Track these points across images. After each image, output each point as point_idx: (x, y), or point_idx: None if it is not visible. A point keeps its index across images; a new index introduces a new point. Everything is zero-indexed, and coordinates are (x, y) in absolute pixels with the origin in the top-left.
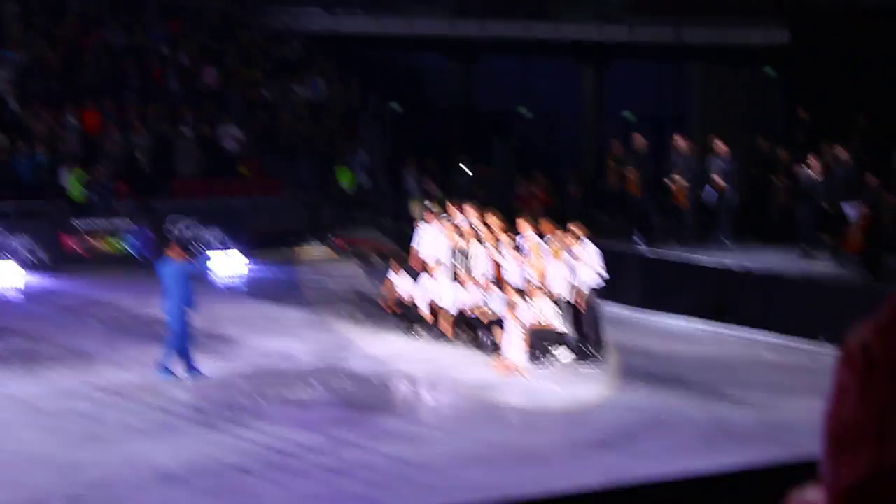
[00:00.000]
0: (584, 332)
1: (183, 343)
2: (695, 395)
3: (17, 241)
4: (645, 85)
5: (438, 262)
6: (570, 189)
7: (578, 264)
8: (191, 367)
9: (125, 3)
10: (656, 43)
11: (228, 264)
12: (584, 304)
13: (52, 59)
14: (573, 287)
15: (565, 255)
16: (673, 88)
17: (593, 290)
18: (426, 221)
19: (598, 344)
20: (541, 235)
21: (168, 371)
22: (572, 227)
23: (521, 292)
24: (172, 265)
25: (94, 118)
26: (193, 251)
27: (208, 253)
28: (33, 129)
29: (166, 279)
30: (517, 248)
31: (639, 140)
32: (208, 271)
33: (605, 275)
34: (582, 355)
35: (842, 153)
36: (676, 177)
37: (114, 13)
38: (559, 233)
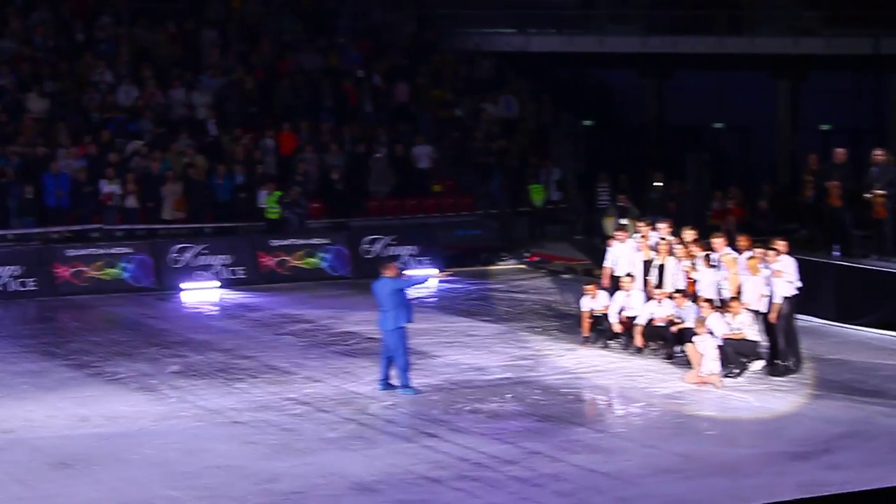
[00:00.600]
0: (780, 344)
1: (405, 359)
2: (893, 406)
3: (216, 260)
4: (842, 97)
5: (632, 277)
6: (759, 203)
7: (776, 278)
8: (385, 381)
9: (319, 27)
10: (853, 55)
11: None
12: (779, 318)
13: (249, 83)
14: (770, 301)
15: (762, 269)
16: (871, 100)
17: (790, 302)
18: (618, 238)
19: (796, 357)
20: (737, 251)
21: (409, 387)
22: (775, 242)
23: (715, 306)
24: (390, 283)
25: (289, 140)
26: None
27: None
28: (231, 151)
29: (383, 297)
30: (712, 265)
31: (839, 153)
32: (417, 282)
33: (799, 287)
34: (778, 368)
35: None
36: (876, 189)
37: (308, 37)
38: (757, 248)
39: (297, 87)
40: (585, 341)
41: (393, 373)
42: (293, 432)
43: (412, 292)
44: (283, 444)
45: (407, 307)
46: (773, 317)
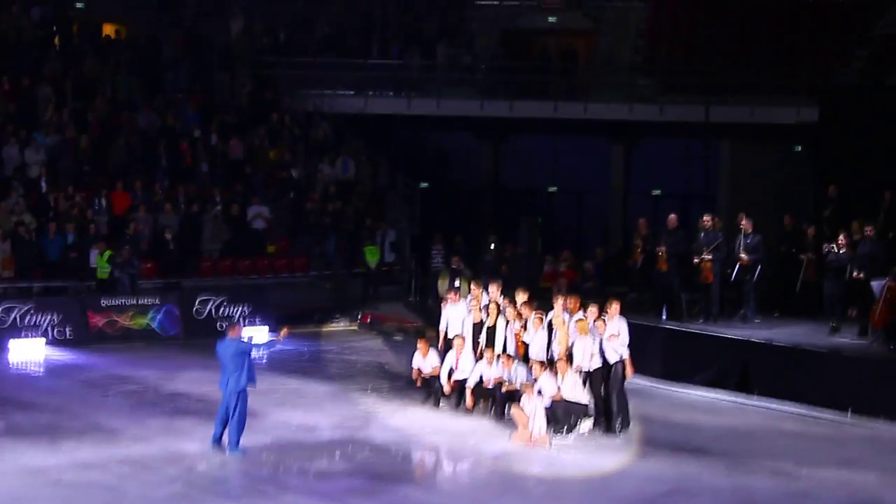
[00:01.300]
0: (609, 404)
1: (242, 420)
2: (717, 465)
3: (44, 318)
4: (673, 163)
5: (462, 338)
6: (585, 265)
7: (605, 340)
8: (217, 438)
9: (155, 85)
10: (685, 122)
11: (254, 340)
12: (612, 379)
13: (83, 141)
14: (598, 361)
15: (592, 330)
16: (701, 165)
17: (619, 363)
18: (451, 300)
19: (624, 416)
20: (569, 312)
21: (238, 448)
22: (610, 303)
23: (545, 366)
24: (232, 344)
25: (123, 199)
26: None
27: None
28: (63, 209)
29: (226, 358)
30: (547, 325)
31: (671, 219)
32: (264, 347)
33: (626, 352)
34: (605, 427)
35: (868, 229)
36: (704, 255)
37: (144, 95)
38: (589, 309)
39: (132, 146)
40: (415, 387)
41: (225, 433)
42: (118, 492)
43: (256, 354)
44: None
45: (250, 369)
46: (630, 372)
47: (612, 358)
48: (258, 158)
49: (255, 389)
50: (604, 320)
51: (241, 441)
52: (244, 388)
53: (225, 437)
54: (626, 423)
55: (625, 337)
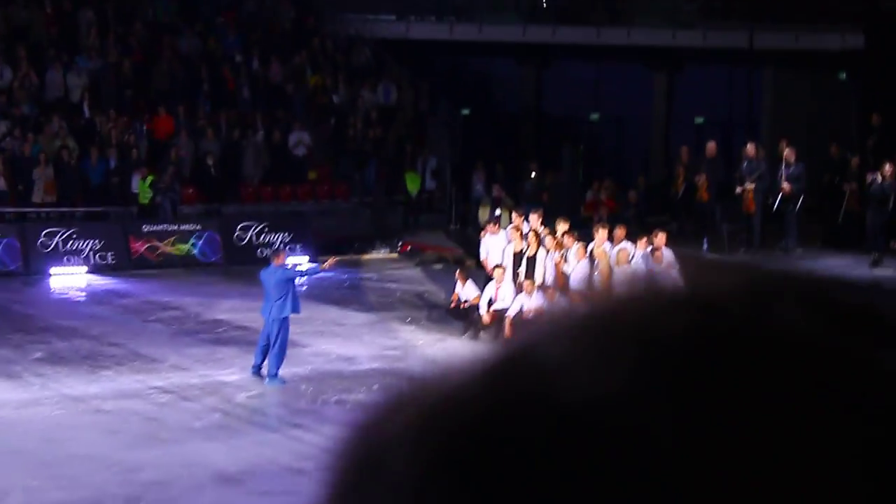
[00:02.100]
0: None
1: (283, 350)
2: None
3: (85, 244)
4: (716, 90)
5: (502, 268)
6: (628, 194)
7: (649, 270)
8: (257, 367)
9: (198, 11)
10: (729, 48)
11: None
12: None
13: (125, 66)
14: None
15: (634, 261)
16: (744, 94)
17: None
18: (491, 229)
19: None
20: (612, 242)
21: (277, 377)
22: (654, 234)
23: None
24: (277, 271)
25: (165, 124)
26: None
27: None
28: (106, 134)
29: (270, 286)
30: (589, 255)
31: (710, 147)
32: (308, 274)
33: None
34: None
35: None
36: (747, 184)
37: (186, 20)
38: (639, 241)
39: (174, 71)
40: (455, 318)
41: (265, 362)
42: (157, 421)
43: (299, 282)
44: (147, 434)
45: (294, 298)
46: None
47: None
48: (299, 82)
49: (294, 318)
50: (659, 249)
51: (281, 372)
52: (287, 316)
53: (265, 367)
54: None
55: (665, 267)
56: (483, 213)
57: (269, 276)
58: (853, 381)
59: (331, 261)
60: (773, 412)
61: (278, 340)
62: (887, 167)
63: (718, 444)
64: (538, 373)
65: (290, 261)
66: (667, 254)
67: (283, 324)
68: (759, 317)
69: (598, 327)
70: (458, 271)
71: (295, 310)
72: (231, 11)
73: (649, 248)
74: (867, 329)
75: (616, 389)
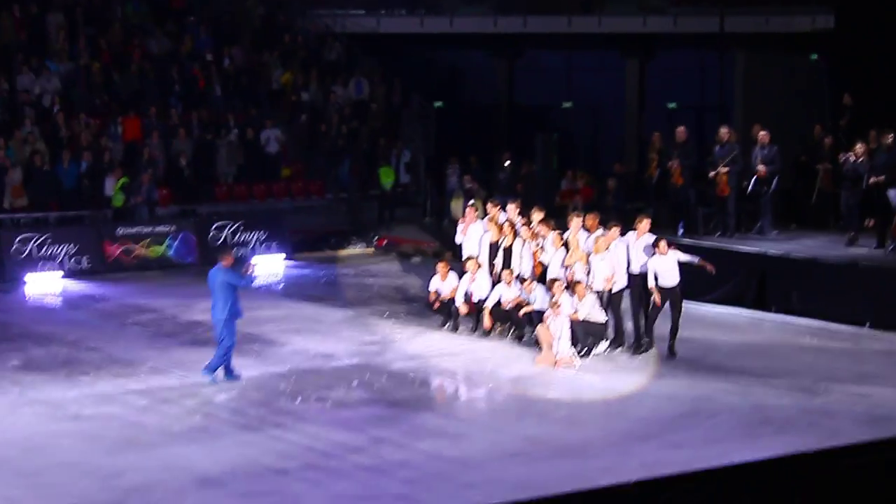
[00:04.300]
0: (639, 324)
1: (228, 351)
2: (734, 383)
3: (60, 249)
4: (689, 75)
5: (475, 259)
6: (608, 182)
7: (623, 259)
8: (229, 372)
9: (168, 11)
10: (699, 33)
11: (270, 266)
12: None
13: (96, 69)
14: (623, 281)
15: (611, 249)
16: (716, 78)
17: (643, 283)
18: (467, 219)
19: (648, 335)
20: (587, 230)
21: (211, 373)
22: (639, 220)
23: (561, 286)
24: (223, 274)
25: (136, 126)
26: (241, 258)
27: (253, 258)
28: (77, 138)
29: (216, 288)
30: (565, 243)
31: (679, 131)
32: (255, 281)
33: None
34: (622, 345)
35: (886, 138)
36: (720, 167)
37: (157, 21)
38: (612, 228)
39: (145, 72)
40: (433, 311)
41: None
42: (137, 426)
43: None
44: (127, 439)
45: (235, 302)
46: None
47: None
48: (271, 80)
49: (272, 315)
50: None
51: (259, 371)
52: (228, 318)
53: (233, 365)
54: (650, 343)
55: (641, 255)
56: (456, 206)
57: (213, 276)
58: None
59: (250, 267)
60: None
61: (222, 341)
62: (860, 146)
63: None
64: None
65: (255, 260)
66: (644, 241)
67: (227, 325)
68: None
69: None
70: (437, 264)
71: (235, 314)
72: (202, 10)
73: (652, 241)
74: None
75: None
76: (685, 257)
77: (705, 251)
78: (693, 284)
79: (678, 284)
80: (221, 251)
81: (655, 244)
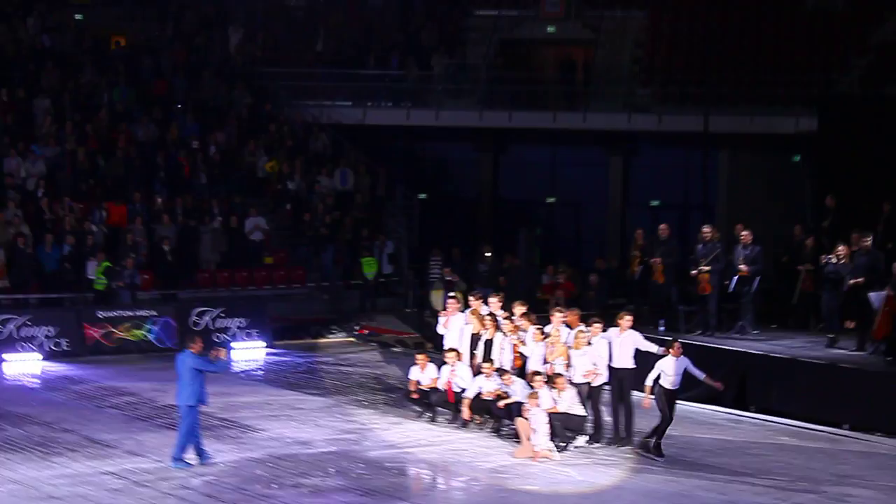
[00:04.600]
0: (621, 420)
1: (194, 434)
2: (712, 480)
3: (39, 331)
4: (672, 173)
5: (455, 351)
6: (590, 277)
7: (604, 354)
8: (201, 452)
9: (154, 98)
10: (684, 132)
11: (250, 353)
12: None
13: (81, 154)
14: (605, 377)
15: (592, 344)
16: (700, 176)
17: (625, 377)
18: (449, 311)
19: (628, 430)
20: (568, 326)
21: (181, 461)
22: (621, 316)
23: (544, 380)
24: (190, 359)
25: (120, 211)
26: (218, 343)
27: (231, 344)
28: (61, 221)
29: (182, 371)
30: (545, 337)
31: (662, 229)
32: (227, 368)
33: (633, 364)
34: (602, 440)
35: (865, 240)
36: (702, 266)
37: (143, 107)
38: (594, 325)
39: (131, 158)
40: (412, 401)
41: (203, 444)
42: None
43: (218, 373)
44: None
45: (201, 388)
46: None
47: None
48: (256, 170)
49: (250, 401)
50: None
51: (235, 456)
52: (192, 403)
53: (206, 448)
54: (630, 437)
55: (624, 350)
56: (436, 297)
57: (182, 361)
58: None
59: (220, 353)
60: None
61: (184, 426)
62: (841, 249)
63: None
64: None
65: (224, 347)
66: (628, 336)
67: (191, 411)
68: None
69: None
70: (418, 354)
71: (201, 400)
72: (189, 99)
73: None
74: None
75: None
76: (694, 370)
77: (686, 348)
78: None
79: (677, 390)
80: (190, 336)
81: (670, 345)
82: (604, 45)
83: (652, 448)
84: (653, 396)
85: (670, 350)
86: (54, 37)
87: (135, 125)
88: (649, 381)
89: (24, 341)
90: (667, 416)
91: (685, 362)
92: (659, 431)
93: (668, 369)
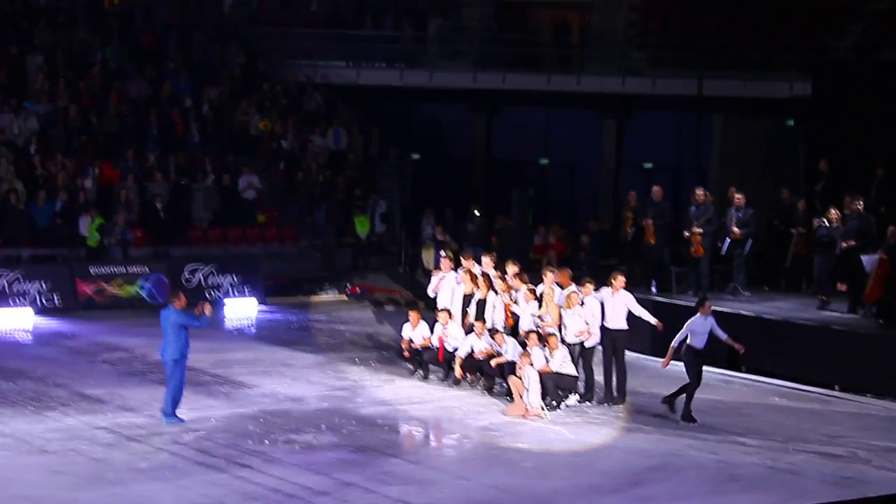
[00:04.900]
0: (614, 378)
1: (178, 390)
2: (703, 440)
3: (31, 286)
4: (666, 136)
5: (447, 311)
6: (582, 238)
7: (596, 314)
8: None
9: (148, 55)
10: (678, 95)
11: (242, 310)
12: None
13: (74, 111)
14: (597, 338)
15: (586, 304)
16: (693, 139)
17: (618, 337)
18: (441, 270)
19: (620, 390)
20: (560, 286)
21: (174, 416)
22: (613, 277)
23: (536, 339)
24: (173, 314)
25: (113, 168)
26: (207, 300)
27: (224, 301)
28: (53, 178)
29: (166, 326)
30: (537, 297)
31: (655, 191)
32: (209, 324)
33: (626, 325)
34: (593, 399)
35: (857, 204)
36: (695, 227)
37: (137, 65)
38: (585, 285)
39: (123, 116)
40: (404, 359)
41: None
42: (103, 462)
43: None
44: (93, 475)
45: (185, 343)
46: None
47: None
48: (250, 129)
49: (243, 358)
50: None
51: (229, 411)
52: (177, 358)
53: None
54: (623, 396)
55: (617, 310)
56: (427, 256)
57: (166, 317)
58: None
59: (206, 308)
60: None
61: (173, 380)
62: (833, 212)
63: None
64: None
65: (229, 302)
66: (620, 297)
67: (177, 365)
68: None
69: None
70: (411, 312)
71: (183, 354)
72: (182, 57)
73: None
74: None
75: None
76: (718, 330)
77: (679, 310)
78: (664, 343)
79: (704, 351)
80: (174, 292)
81: (701, 303)
82: (599, 8)
83: (683, 416)
84: (672, 361)
85: (700, 309)
86: None
87: (128, 83)
88: (675, 343)
89: (16, 296)
90: (694, 381)
91: (712, 321)
92: (688, 397)
93: (697, 328)
